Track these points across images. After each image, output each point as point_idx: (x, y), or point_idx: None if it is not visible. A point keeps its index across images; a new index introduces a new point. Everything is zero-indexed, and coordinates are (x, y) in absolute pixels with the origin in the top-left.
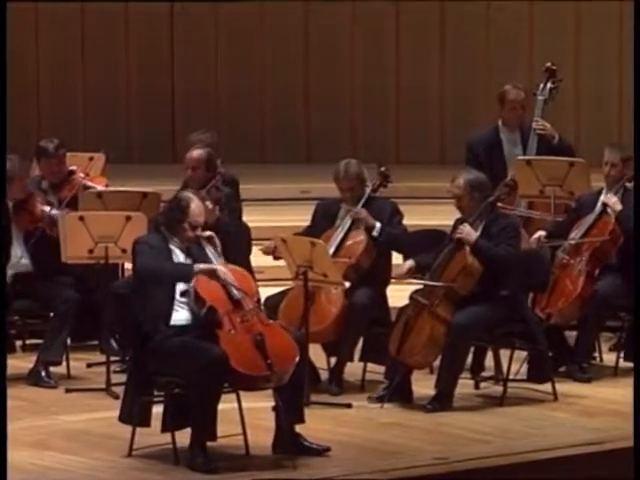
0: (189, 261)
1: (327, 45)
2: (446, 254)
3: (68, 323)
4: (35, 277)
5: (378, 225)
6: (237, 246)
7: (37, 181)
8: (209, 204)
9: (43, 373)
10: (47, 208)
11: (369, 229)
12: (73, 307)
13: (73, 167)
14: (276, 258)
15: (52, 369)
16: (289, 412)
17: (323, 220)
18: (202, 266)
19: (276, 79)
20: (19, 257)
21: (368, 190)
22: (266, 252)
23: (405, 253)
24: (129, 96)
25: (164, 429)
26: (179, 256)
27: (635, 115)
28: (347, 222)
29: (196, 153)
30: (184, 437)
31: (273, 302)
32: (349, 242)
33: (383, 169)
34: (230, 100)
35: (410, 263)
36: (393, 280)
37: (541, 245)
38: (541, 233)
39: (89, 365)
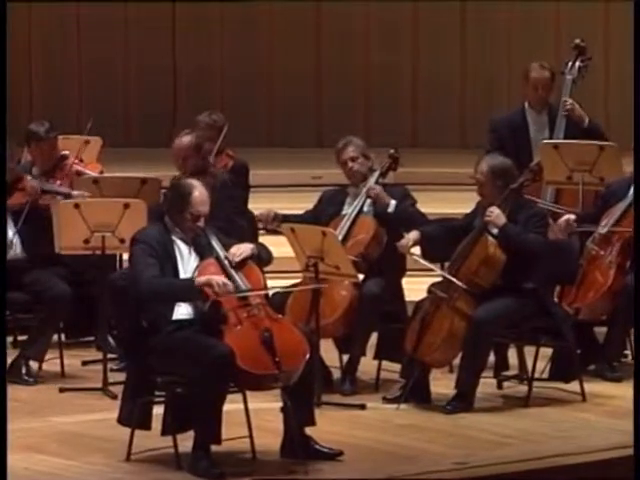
0: (193, 254)
1: (340, 22)
2: (467, 244)
3: (57, 320)
4: (26, 267)
5: (393, 202)
6: (235, 236)
7: (27, 167)
8: None
9: (23, 370)
10: (36, 182)
11: (383, 207)
12: (64, 304)
13: (66, 152)
14: (269, 231)
15: (46, 367)
16: (299, 413)
17: (329, 208)
18: (201, 280)
19: (285, 58)
20: (10, 240)
21: (377, 173)
22: (260, 219)
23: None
24: (127, 75)
25: (165, 432)
26: (182, 249)
27: (635, 114)
28: (355, 209)
29: (185, 141)
30: (186, 440)
31: (280, 297)
32: (357, 230)
33: (392, 151)
34: (236, 80)
35: (415, 234)
36: (409, 272)
37: (571, 229)
38: (570, 216)
39: (85, 363)
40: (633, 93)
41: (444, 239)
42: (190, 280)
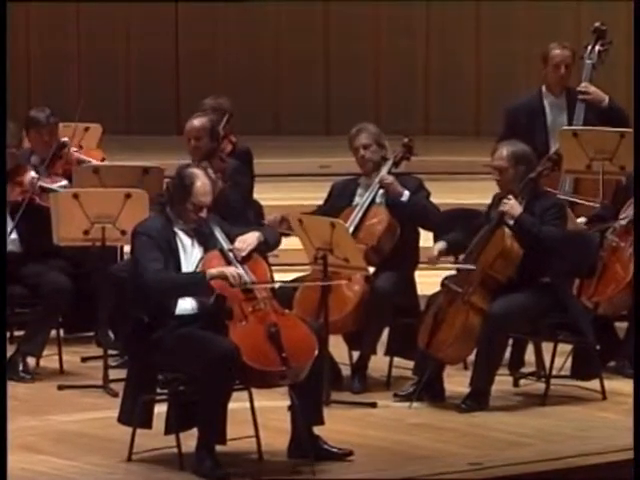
0: (196, 246)
1: (349, 5)
2: (483, 235)
3: (55, 314)
4: (24, 260)
5: (407, 192)
6: (243, 225)
7: (26, 155)
8: (211, 172)
9: (20, 366)
10: (36, 175)
11: (396, 198)
12: (63, 297)
13: (65, 139)
14: (281, 235)
15: (44, 364)
16: (307, 412)
17: (339, 199)
18: (213, 271)
19: (292, 42)
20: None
21: (390, 162)
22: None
23: (434, 231)
24: (128, 60)
25: (168, 431)
26: (184, 241)
27: (635, 113)
28: (367, 200)
29: (198, 122)
30: (190, 440)
31: (287, 291)
32: (369, 221)
33: (406, 140)
34: (241, 65)
35: (441, 245)
36: (422, 265)
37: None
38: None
39: (84, 359)
40: (633, 94)
41: (467, 242)
42: (199, 273)
